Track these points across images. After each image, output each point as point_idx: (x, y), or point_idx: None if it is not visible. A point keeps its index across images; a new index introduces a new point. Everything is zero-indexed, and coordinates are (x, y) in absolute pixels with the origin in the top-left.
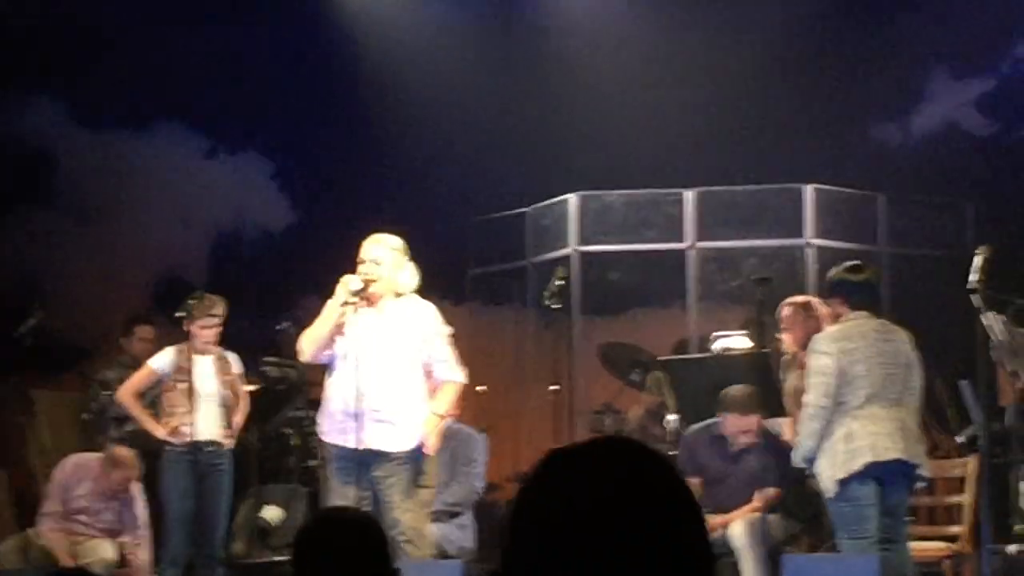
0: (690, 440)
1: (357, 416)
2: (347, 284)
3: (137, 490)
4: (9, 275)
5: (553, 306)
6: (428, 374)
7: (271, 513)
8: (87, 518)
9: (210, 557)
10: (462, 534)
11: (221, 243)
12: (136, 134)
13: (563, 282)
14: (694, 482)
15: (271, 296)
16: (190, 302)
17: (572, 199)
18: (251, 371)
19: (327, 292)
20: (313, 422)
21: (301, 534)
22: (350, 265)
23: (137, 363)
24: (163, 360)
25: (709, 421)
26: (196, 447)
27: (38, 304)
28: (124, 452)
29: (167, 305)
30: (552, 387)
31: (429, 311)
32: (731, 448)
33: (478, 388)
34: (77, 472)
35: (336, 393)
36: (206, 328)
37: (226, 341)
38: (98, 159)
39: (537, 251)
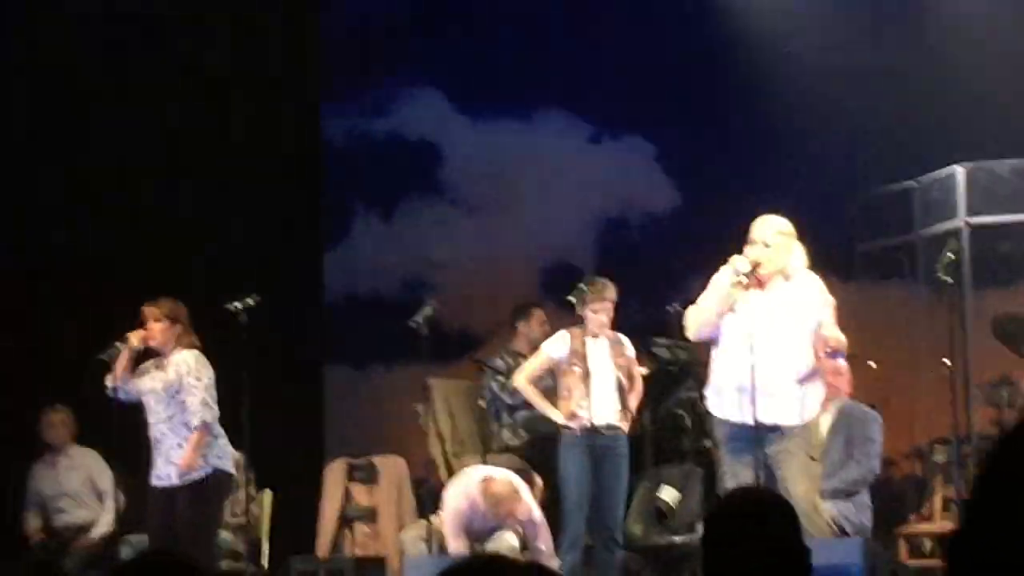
0: None
1: (751, 393)
2: (736, 264)
3: (527, 496)
4: (403, 265)
5: (944, 279)
6: (818, 350)
7: (668, 494)
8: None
9: (610, 540)
10: (860, 513)
11: (607, 227)
12: (519, 123)
13: (954, 255)
14: None
15: (659, 278)
16: (582, 287)
17: (960, 170)
18: (642, 353)
19: (713, 272)
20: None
21: (712, 515)
22: (736, 246)
23: (529, 349)
24: (557, 345)
25: None
26: (593, 431)
27: (431, 293)
28: (497, 488)
29: (555, 291)
30: (944, 361)
31: (815, 284)
32: None
33: (870, 363)
34: (467, 511)
35: (728, 372)
36: (599, 312)
37: (616, 324)
38: (482, 149)
39: (925, 224)
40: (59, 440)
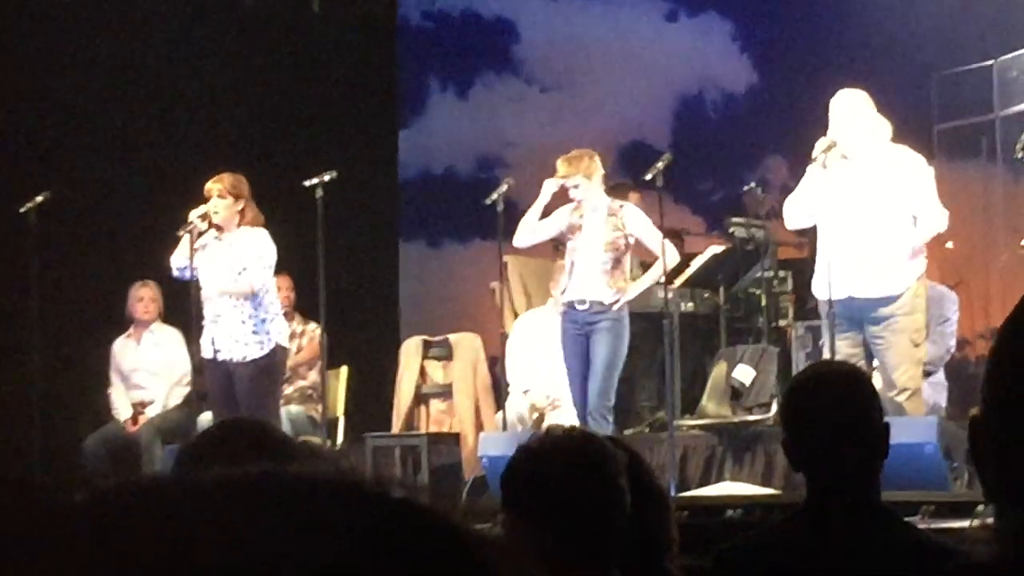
0: None
1: (850, 267)
2: (821, 143)
3: None
4: (478, 143)
5: (1022, 160)
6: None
7: (742, 373)
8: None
9: (594, 413)
10: (935, 392)
11: (683, 107)
12: (595, 0)
13: None
14: None
15: (735, 158)
16: (659, 165)
17: None
18: (717, 231)
19: (790, 151)
20: (781, 281)
21: (790, 390)
22: (812, 124)
23: None
24: (561, 215)
25: None
26: (571, 306)
27: (506, 171)
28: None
29: (631, 170)
30: (1022, 243)
31: (909, 156)
32: None
33: (947, 244)
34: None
35: (827, 250)
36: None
37: (693, 204)
38: (558, 26)
39: (1004, 104)
40: (147, 315)
